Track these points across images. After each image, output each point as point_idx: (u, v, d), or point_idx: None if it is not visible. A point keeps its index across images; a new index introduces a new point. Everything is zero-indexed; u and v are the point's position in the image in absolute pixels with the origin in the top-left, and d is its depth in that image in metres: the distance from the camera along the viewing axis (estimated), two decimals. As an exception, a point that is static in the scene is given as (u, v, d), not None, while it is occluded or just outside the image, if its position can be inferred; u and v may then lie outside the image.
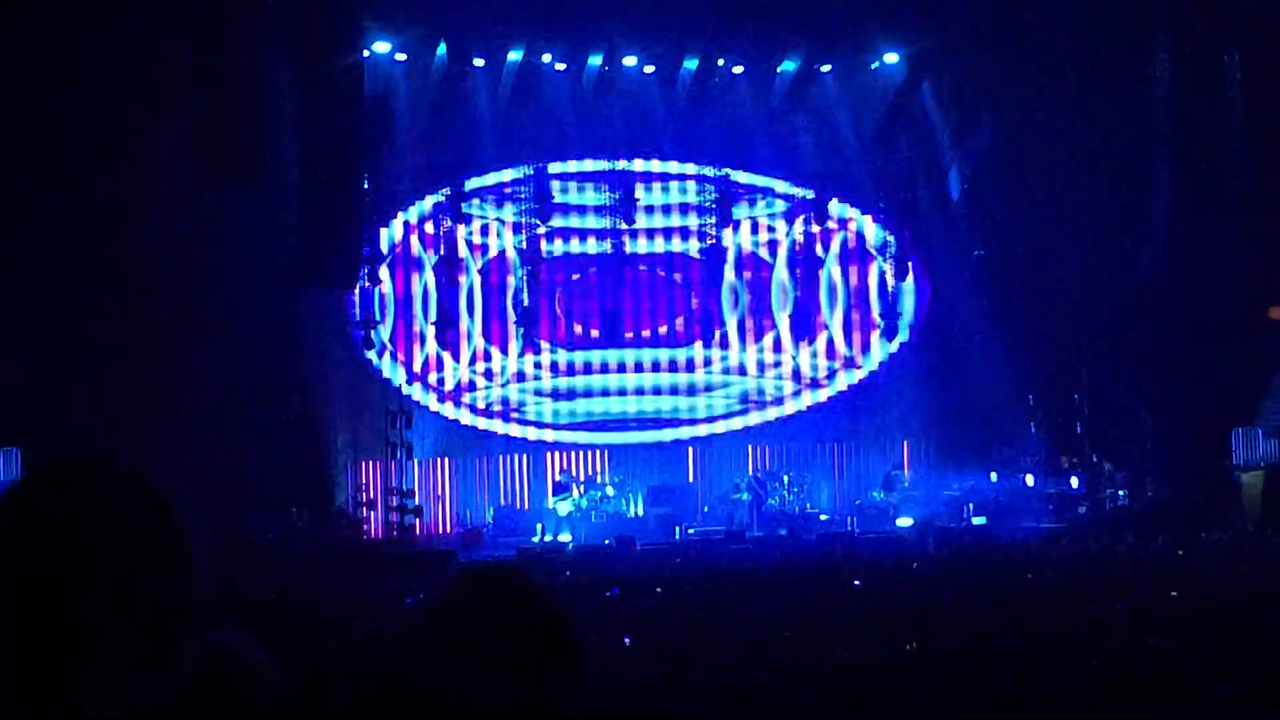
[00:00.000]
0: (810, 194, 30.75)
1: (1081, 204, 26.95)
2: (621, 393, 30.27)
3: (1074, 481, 27.70)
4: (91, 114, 21.90)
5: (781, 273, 31.12)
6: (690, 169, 30.91)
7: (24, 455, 21.34)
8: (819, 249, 31.05)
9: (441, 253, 29.43)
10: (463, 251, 29.63)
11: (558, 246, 30.34)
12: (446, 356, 29.47)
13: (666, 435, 30.37)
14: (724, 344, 30.75)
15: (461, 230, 29.54)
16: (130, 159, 22.39)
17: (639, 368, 30.41)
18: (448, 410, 29.51)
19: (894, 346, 31.01)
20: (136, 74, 22.11)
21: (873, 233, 31.34)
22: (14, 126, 21.31)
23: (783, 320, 30.94)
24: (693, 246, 30.92)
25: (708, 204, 30.72)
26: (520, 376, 29.98)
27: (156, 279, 23.15)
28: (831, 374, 31.12)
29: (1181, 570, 16.33)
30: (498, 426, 29.78)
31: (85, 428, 21.06)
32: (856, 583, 16.08)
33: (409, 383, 29.13)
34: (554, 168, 30.18)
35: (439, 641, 2.58)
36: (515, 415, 29.93)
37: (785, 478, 28.85)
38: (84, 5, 21.54)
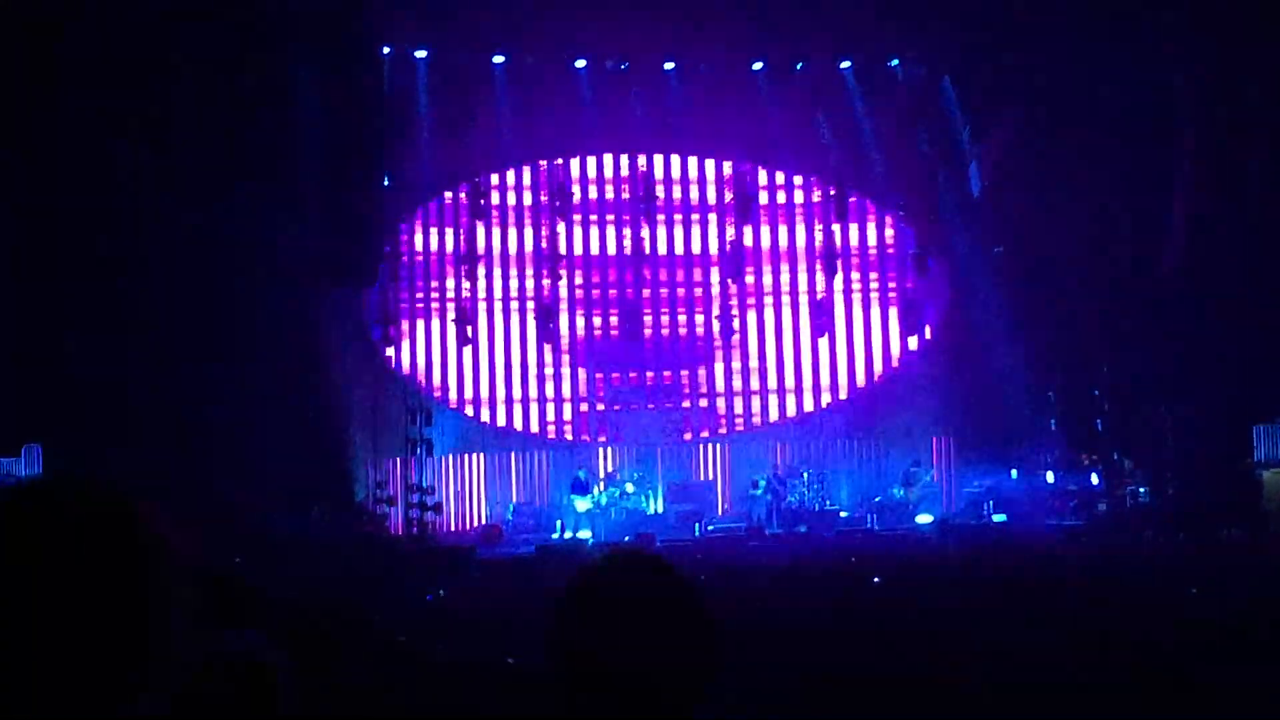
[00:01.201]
0: (830, 190, 30.70)
1: (1102, 200, 26.85)
2: (640, 388, 30.22)
3: (1094, 478, 27.63)
4: (111, 113, 21.99)
5: (801, 269, 31.09)
6: (710, 166, 30.91)
7: (45, 452, 21.43)
8: (838, 245, 31.00)
9: (461, 250, 29.46)
10: (482, 248, 29.64)
11: (577, 243, 30.34)
12: (466, 353, 29.49)
13: (687, 432, 30.33)
14: (743, 339, 30.72)
15: (481, 227, 29.57)
16: (149, 160, 22.48)
17: (658, 363, 30.38)
18: (467, 407, 29.56)
19: (914, 343, 30.95)
20: (158, 73, 22.20)
21: (893, 229, 31.28)
22: (33, 124, 21.43)
23: (803, 316, 30.90)
24: (712, 243, 30.91)
25: (727, 200, 30.72)
26: (540, 373, 29.99)
27: (177, 278, 23.25)
28: (851, 371, 31.08)
29: (1201, 568, 16.29)
30: (517, 423, 29.82)
31: (105, 425, 21.15)
32: (875, 579, 16.08)
33: (428, 379, 29.17)
34: (574, 165, 30.22)
35: (592, 626, 2.53)
36: (535, 412, 29.94)
37: (805, 475, 28.82)
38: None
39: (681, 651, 2.48)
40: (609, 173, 30.63)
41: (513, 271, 30.05)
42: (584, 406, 30.13)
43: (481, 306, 29.69)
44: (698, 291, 30.78)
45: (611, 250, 30.47)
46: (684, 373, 30.56)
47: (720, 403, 30.65)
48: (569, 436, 29.93)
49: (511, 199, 30.14)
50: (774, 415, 30.74)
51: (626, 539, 25.72)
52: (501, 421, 29.76)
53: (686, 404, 30.44)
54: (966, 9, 26.63)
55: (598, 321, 30.25)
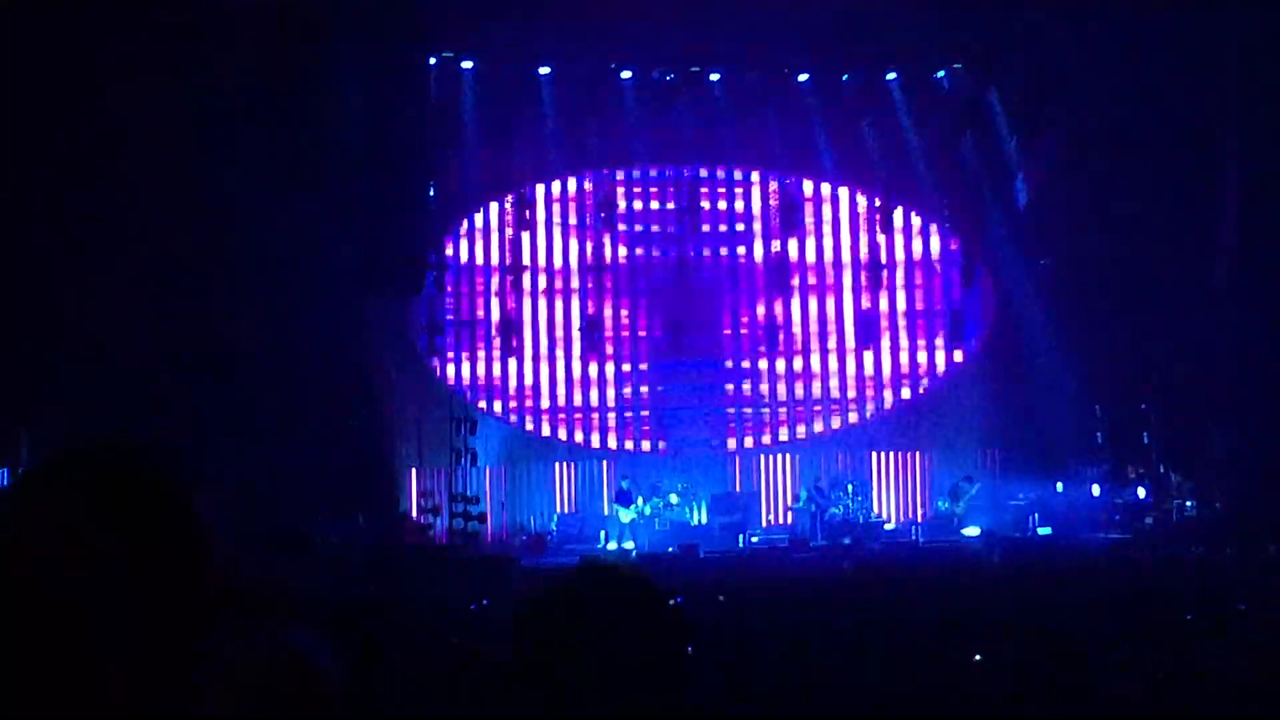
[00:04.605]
0: (876, 202, 30.63)
1: (1150, 211, 26.67)
2: (685, 400, 30.19)
3: (1141, 492, 27.43)
4: (155, 121, 22.15)
5: (846, 280, 31.03)
6: (755, 176, 30.90)
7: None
8: (884, 256, 30.92)
9: (506, 260, 29.54)
10: (527, 258, 29.72)
11: (622, 254, 30.39)
12: (511, 364, 29.56)
13: (730, 443, 30.30)
14: (789, 352, 30.67)
15: (526, 237, 29.64)
16: (195, 169, 22.62)
17: (703, 374, 30.35)
18: (512, 417, 29.61)
19: (959, 355, 30.84)
20: (203, 82, 22.35)
21: (938, 240, 31.19)
22: (75, 130, 21.61)
23: (848, 328, 30.84)
24: (757, 254, 30.89)
25: (772, 211, 30.70)
26: (584, 384, 30.03)
27: (223, 287, 23.38)
28: (896, 383, 31.00)
29: (1250, 582, 16.15)
30: (561, 433, 29.85)
31: (150, 431, 21.26)
32: (921, 592, 16.00)
33: (473, 389, 29.24)
34: (619, 175, 30.26)
35: (557, 633, 2.56)
36: (579, 422, 29.97)
37: (849, 486, 28.73)
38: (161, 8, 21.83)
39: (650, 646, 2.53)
40: (654, 184, 30.65)
41: (558, 282, 30.11)
42: (628, 414, 30.14)
43: (526, 317, 29.76)
44: (742, 301, 30.74)
45: (656, 261, 30.48)
46: (728, 385, 30.58)
47: (765, 413, 30.59)
48: (612, 445, 29.94)
49: (557, 210, 30.21)
50: (818, 427, 30.68)
51: (670, 549, 25.71)
52: (546, 432, 29.79)
53: (731, 409, 30.44)
54: (1013, 21, 26.54)
55: (642, 332, 30.25)
